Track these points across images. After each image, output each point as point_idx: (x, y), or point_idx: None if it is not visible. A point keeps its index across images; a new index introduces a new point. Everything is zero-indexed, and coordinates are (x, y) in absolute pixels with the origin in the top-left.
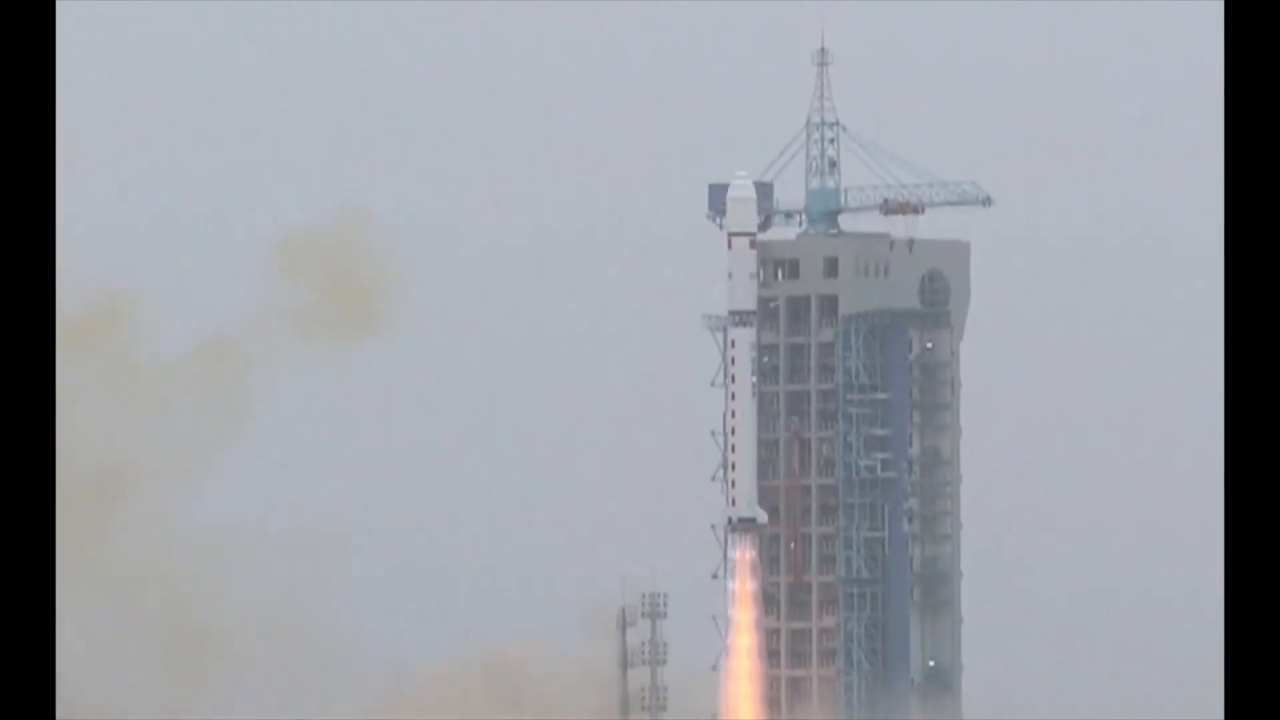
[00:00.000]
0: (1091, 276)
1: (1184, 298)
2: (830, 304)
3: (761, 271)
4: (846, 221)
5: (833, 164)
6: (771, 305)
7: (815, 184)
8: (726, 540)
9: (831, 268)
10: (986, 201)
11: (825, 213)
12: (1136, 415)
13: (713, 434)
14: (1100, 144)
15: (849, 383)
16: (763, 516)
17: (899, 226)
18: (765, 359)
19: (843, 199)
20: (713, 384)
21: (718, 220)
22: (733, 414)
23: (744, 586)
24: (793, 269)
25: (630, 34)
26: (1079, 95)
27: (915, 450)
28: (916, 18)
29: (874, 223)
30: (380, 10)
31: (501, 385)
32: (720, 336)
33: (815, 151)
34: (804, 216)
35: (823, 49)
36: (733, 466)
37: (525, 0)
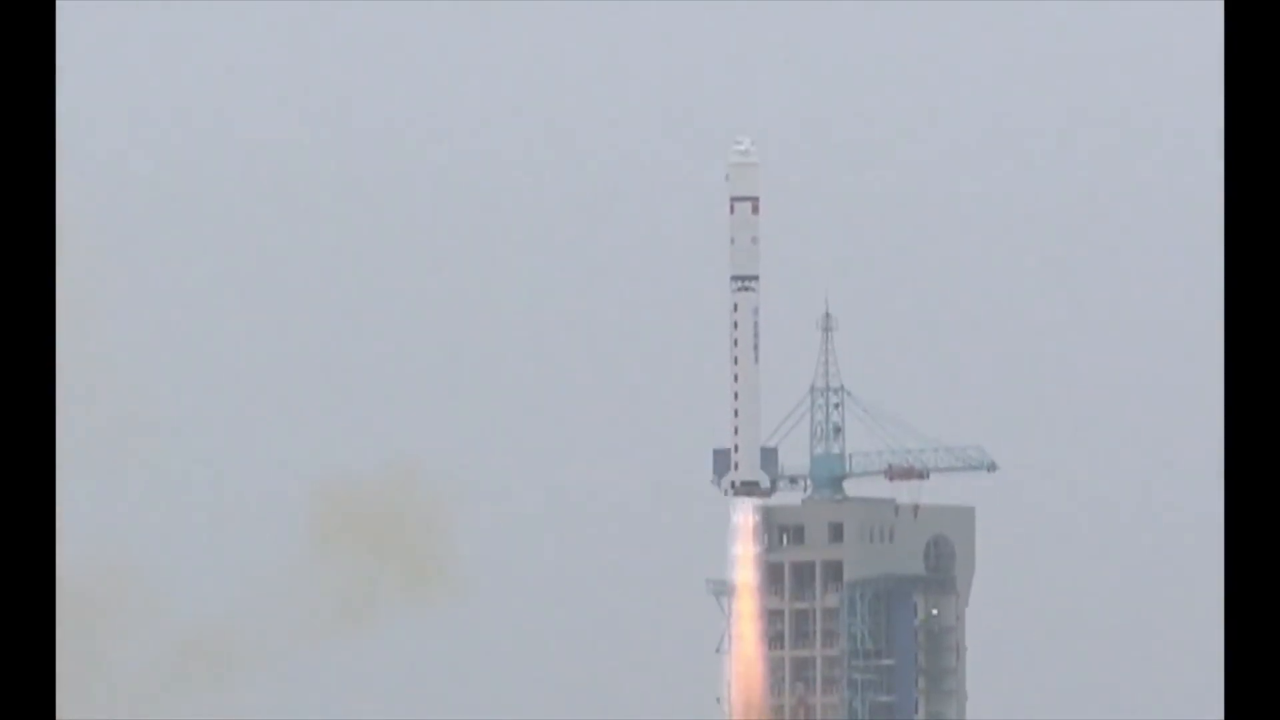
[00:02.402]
0: (1096, 543)
1: (1187, 564)
2: (835, 569)
3: (767, 537)
4: (851, 487)
5: (837, 429)
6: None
7: (820, 449)
8: (730, 506)
9: (837, 533)
10: (991, 467)
11: (830, 478)
12: (1143, 682)
13: (718, 700)
14: (1104, 414)
15: (854, 649)
16: (765, 481)
17: (904, 492)
18: (771, 625)
19: (847, 464)
20: (718, 650)
21: (722, 485)
22: (735, 378)
23: (747, 551)
24: (798, 534)
25: (632, 311)
26: (1083, 366)
27: (921, 716)
28: (920, 285)
29: (879, 488)
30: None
31: (509, 652)
32: (725, 601)
33: (820, 417)
34: (809, 482)
35: (827, 314)
36: (735, 431)
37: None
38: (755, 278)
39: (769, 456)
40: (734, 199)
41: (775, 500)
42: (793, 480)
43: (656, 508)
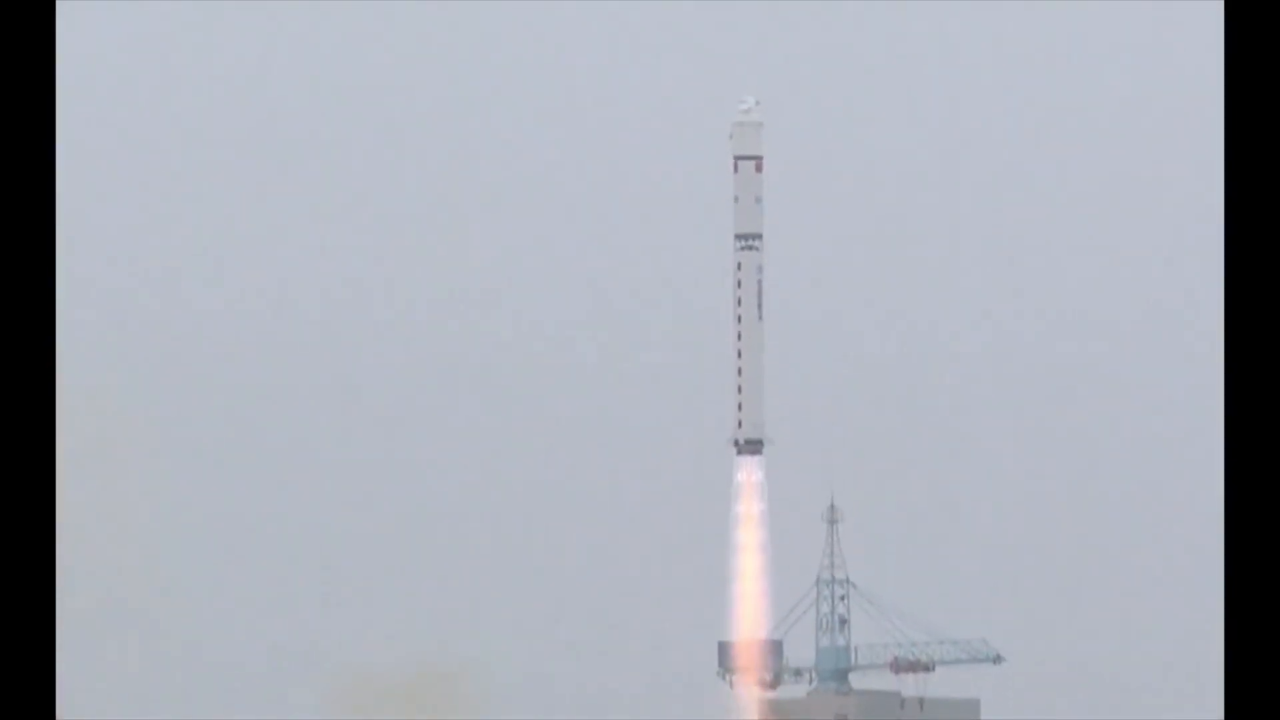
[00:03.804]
0: None
1: None
2: None
3: None
4: (857, 679)
5: (843, 621)
6: None
7: (825, 641)
8: (734, 463)
9: None
10: (996, 659)
11: (835, 670)
12: None
13: None
14: (1111, 609)
15: None
16: (770, 437)
17: (909, 684)
18: None
19: (853, 657)
20: None
21: (728, 678)
22: (739, 335)
23: (749, 508)
24: None
25: (627, 468)
26: (1089, 560)
27: None
28: (923, 471)
29: (884, 680)
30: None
31: None
32: None
33: (825, 609)
34: (814, 674)
35: (832, 506)
36: (739, 389)
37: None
38: (759, 236)
39: (775, 649)
40: (738, 158)
41: (781, 693)
42: (798, 673)
43: (662, 700)
